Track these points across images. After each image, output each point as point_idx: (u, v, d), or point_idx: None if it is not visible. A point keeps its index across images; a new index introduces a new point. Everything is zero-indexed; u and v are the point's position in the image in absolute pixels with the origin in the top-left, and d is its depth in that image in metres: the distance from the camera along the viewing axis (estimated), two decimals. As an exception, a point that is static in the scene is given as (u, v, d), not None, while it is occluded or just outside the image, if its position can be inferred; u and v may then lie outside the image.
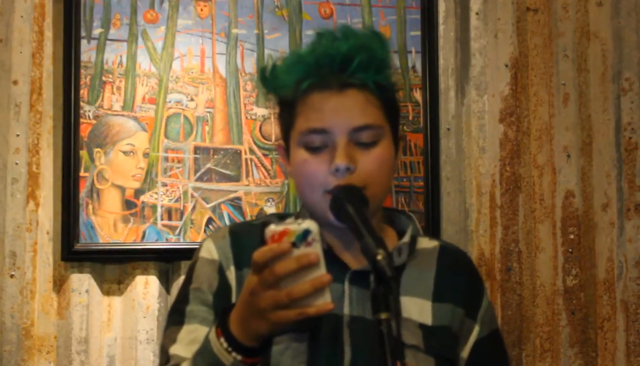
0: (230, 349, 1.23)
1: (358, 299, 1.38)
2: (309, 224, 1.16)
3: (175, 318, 1.42)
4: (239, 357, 1.23)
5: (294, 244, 1.15)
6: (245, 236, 1.46)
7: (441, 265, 1.48)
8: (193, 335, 1.37)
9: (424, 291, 1.44)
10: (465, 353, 1.46)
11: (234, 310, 1.25)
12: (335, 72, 1.37)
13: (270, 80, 1.43)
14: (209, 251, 1.45)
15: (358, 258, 1.41)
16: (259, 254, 1.16)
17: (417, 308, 1.41)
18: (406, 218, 1.52)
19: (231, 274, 1.42)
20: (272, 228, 1.16)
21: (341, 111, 1.37)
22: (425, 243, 1.51)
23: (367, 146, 1.38)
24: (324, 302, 1.16)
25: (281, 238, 1.15)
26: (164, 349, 1.39)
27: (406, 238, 1.46)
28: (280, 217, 1.51)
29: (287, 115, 1.42)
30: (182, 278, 2.26)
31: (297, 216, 1.48)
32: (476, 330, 1.47)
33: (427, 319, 1.42)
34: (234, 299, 1.40)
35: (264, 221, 1.49)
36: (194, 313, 1.39)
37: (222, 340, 1.24)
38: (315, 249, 1.15)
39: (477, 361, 1.46)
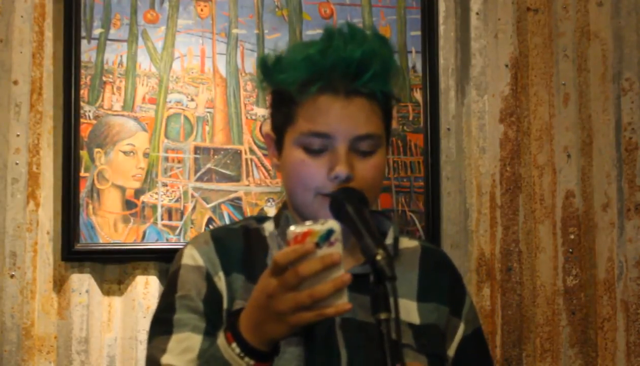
0: (242, 354, 1.22)
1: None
2: (332, 224, 1.16)
3: (161, 328, 1.39)
4: (251, 362, 1.23)
5: (317, 245, 1.15)
6: (228, 241, 1.44)
7: (424, 265, 1.49)
8: (184, 344, 1.35)
9: (408, 292, 1.45)
10: (451, 351, 1.47)
11: (244, 315, 1.24)
12: (346, 77, 1.36)
13: (274, 72, 1.41)
14: (193, 257, 1.43)
15: (346, 261, 1.41)
16: (282, 255, 1.15)
17: (403, 309, 1.41)
18: (386, 219, 1.52)
19: (220, 280, 1.40)
20: (294, 230, 1.16)
21: (347, 118, 1.36)
22: (406, 242, 1.52)
23: (365, 154, 1.38)
24: (342, 302, 1.16)
25: (304, 239, 1.15)
26: (154, 359, 1.36)
27: (389, 239, 1.46)
28: (259, 220, 1.50)
29: (286, 110, 1.40)
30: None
31: (277, 218, 1.47)
32: (461, 328, 1.48)
33: (414, 319, 1.43)
34: (224, 305, 1.39)
35: (243, 224, 1.49)
36: (183, 322, 1.37)
37: (234, 345, 1.23)
38: (337, 249, 1.15)
39: (464, 358, 1.47)
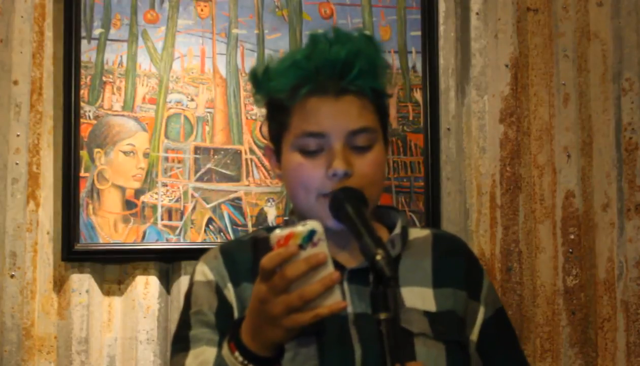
0: (245, 362, 1.23)
1: (359, 296, 1.38)
2: (314, 224, 1.16)
3: (179, 345, 1.41)
4: None
5: (301, 246, 1.15)
6: (237, 253, 1.46)
7: (437, 252, 1.49)
8: (201, 358, 1.36)
9: (423, 280, 1.45)
10: (474, 335, 1.46)
11: (245, 322, 1.24)
12: (333, 78, 1.37)
13: (263, 82, 1.43)
14: (203, 273, 1.45)
15: (354, 258, 1.41)
16: (267, 260, 1.16)
17: (419, 297, 1.42)
18: (395, 212, 1.53)
19: (229, 292, 1.42)
20: (278, 233, 1.16)
21: (338, 115, 1.37)
22: (417, 233, 1.53)
23: (362, 150, 1.38)
24: (335, 302, 1.16)
25: (287, 242, 1.16)
26: None
27: (397, 230, 1.47)
28: (269, 230, 1.51)
29: (280, 117, 1.42)
30: (182, 278, 2.27)
31: (286, 224, 1.48)
32: (481, 311, 1.48)
33: (430, 306, 1.42)
34: (235, 316, 1.40)
35: (252, 236, 1.51)
36: (198, 337, 1.39)
37: (236, 353, 1.24)
38: (321, 249, 1.16)
39: (487, 342, 1.47)
